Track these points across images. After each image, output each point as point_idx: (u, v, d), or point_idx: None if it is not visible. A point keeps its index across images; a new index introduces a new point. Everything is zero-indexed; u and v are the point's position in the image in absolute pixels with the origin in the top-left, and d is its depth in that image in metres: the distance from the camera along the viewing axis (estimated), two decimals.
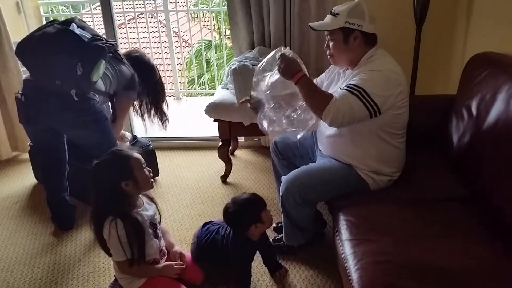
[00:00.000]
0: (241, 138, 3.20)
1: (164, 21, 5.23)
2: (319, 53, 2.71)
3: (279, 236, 2.08)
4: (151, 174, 1.66)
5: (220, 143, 2.73)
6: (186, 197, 2.63)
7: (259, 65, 1.91)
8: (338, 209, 1.73)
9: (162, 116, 2.57)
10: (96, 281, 1.98)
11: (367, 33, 1.73)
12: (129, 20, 6.02)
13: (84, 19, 2.20)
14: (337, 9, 1.74)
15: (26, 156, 3.05)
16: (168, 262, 1.72)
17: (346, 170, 1.81)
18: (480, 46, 2.07)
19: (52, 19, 2.32)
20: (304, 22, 2.63)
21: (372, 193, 1.80)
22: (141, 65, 2.41)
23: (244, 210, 1.72)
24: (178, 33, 6.16)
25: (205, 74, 5.54)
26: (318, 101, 1.67)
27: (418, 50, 2.51)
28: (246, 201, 1.74)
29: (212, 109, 2.59)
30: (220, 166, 2.84)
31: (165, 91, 2.64)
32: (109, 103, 2.36)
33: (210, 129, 3.03)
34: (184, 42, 7.18)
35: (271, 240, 2.07)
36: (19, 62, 2.88)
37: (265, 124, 1.91)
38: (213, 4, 6.94)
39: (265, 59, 1.89)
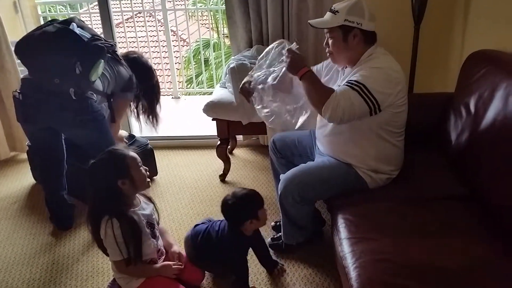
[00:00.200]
0: (239, 137, 3.20)
1: (162, 20, 5.23)
2: (317, 52, 2.70)
3: (278, 235, 2.08)
4: (148, 173, 1.66)
5: (219, 142, 2.73)
6: (184, 196, 2.63)
7: (260, 56, 1.95)
8: (336, 208, 1.73)
9: (154, 118, 2.56)
10: (94, 280, 1.98)
11: (367, 31, 1.72)
12: (127, 19, 6.01)
13: (82, 19, 2.20)
14: (336, 6, 1.73)
15: (24, 156, 3.05)
16: (166, 262, 1.72)
17: (344, 168, 1.81)
18: (478, 44, 2.07)
19: (49, 18, 2.32)
20: (302, 21, 2.63)
21: (370, 191, 1.80)
22: (139, 66, 2.41)
23: (243, 204, 1.74)
24: (176, 32, 6.15)
25: (203, 73, 5.51)
26: (319, 95, 1.67)
27: (416, 48, 2.51)
28: (246, 195, 1.76)
29: (211, 108, 2.59)
30: (218, 165, 2.84)
31: (163, 90, 2.63)
32: (107, 103, 2.36)
33: (209, 128, 3.03)
34: (182, 41, 7.17)
35: (270, 238, 2.10)
36: (17, 61, 2.88)
37: (264, 111, 1.95)
38: (211, 3, 6.94)
39: (270, 54, 1.92)
